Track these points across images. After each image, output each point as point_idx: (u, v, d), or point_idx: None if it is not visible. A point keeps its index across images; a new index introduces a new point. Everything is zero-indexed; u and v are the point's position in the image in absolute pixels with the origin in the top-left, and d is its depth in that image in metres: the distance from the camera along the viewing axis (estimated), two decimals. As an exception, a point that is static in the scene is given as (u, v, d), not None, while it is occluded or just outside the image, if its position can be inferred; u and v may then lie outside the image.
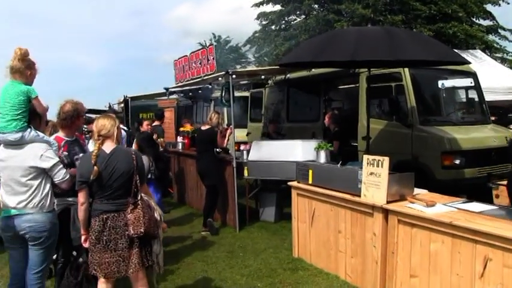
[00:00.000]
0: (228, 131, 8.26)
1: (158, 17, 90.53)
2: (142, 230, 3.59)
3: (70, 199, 4.17)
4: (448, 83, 8.15)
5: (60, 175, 3.79)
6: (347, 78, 9.17)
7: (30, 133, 3.73)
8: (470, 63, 6.56)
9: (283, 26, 26.86)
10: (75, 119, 4.33)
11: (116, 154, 3.69)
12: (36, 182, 3.71)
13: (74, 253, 4.36)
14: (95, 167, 3.55)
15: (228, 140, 8.27)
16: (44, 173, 3.75)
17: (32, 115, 3.81)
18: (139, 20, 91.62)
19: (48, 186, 3.78)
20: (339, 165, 5.43)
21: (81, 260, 4.20)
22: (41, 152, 3.72)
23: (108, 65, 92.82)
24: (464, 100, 8.74)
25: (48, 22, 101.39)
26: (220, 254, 6.26)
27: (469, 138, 7.15)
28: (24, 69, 3.75)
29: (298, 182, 5.88)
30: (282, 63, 7.21)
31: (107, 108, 16.56)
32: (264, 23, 27.26)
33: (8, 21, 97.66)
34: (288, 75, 10.25)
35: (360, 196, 4.76)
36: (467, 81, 8.38)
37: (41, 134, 3.87)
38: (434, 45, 5.86)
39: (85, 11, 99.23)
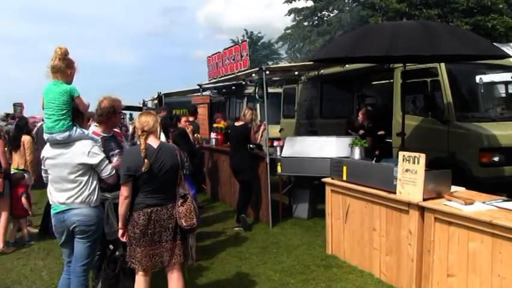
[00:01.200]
0: (262, 127, 8.27)
1: (190, 14, 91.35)
2: (195, 222, 3.74)
3: (107, 194, 4.24)
4: (487, 77, 7.92)
5: (107, 170, 3.89)
6: (381, 73, 9.04)
7: (76, 131, 3.84)
8: (511, 56, 6.37)
9: (316, 21, 26.68)
10: (111, 115, 4.40)
11: (163, 149, 3.81)
12: (84, 178, 3.82)
13: (111, 247, 4.45)
14: (146, 160, 3.65)
15: (262, 136, 8.28)
16: (91, 169, 3.85)
17: (75, 113, 3.90)
18: (172, 17, 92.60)
19: (95, 181, 3.89)
20: (373, 161, 5.38)
21: (117, 253, 4.29)
22: (88, 149, 3.82)
23: (142, 62, 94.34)
24: (504, 95, 8.48)
25: (84, 20, 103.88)
26: (254, 250, 6.28)
27: (509, 135, 6.92)
28: (65, 68, 3.84)
29: (332, 179, 5.84)
30: (315, 58, 7.15)
31: (141, 105, 16.81)
32: (296, 18, 27.12)
33: (46, 20, 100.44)
34: (321, 71, 10.18)
35: (395, 193, 4.69)
36: (507, 76, 8.13)
37: (86, 131, 4.00)
38: (472, 38, 5.72)
39: (118, 9, 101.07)
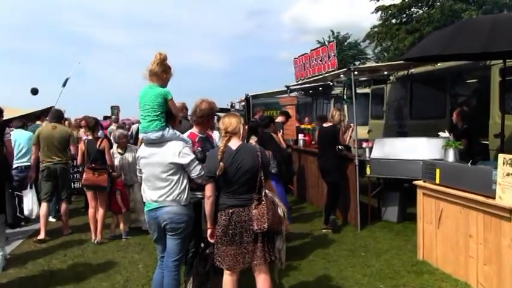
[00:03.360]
0: (350, 128, 8.16)
1: (276, 16, 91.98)
2: (266, 226, 3.69)
3: (198, 193, 4.35)
4: None
5: (197, 170, 4.00)
6: (476, 71, 8.58)
7: (169, 132, 4.02)
8: None
9: (404, 19, 25.79)
10: (211, 117, 4.56)
11: (241, 151, 3.83)
12: (175, 177, 3.98)
13: (202, 245, 4.59)
14: (221, 163, 3.72)
15: (350, 137, 8.16)
16: (181, 169, 3.99)
17: (168, 115, 4.08)
18: (258, 20, 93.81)
19: (185, 181, 4.03)
20: (469, 164, 5.11)
21: (208, 251, 4.42)
22: (179, 149, 3.97)
23: (230, 64, 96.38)
24: None
25: (175, 26, 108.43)
26: (342, 253, 6.22)
27: None
28: (162, 73, 4.05)
29: (424, 182, 5.64)
30: (407, 57, 6.94)
31: (229, 107, 17.24)
32: (383, 16, 26.39)
33: (142, 28, 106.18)
34: (412, 70, 9.85)
35: (494, 198, 4.42)
36: None
37: (177, 133, 4.16)
38: None
39: (208, 15, 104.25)
